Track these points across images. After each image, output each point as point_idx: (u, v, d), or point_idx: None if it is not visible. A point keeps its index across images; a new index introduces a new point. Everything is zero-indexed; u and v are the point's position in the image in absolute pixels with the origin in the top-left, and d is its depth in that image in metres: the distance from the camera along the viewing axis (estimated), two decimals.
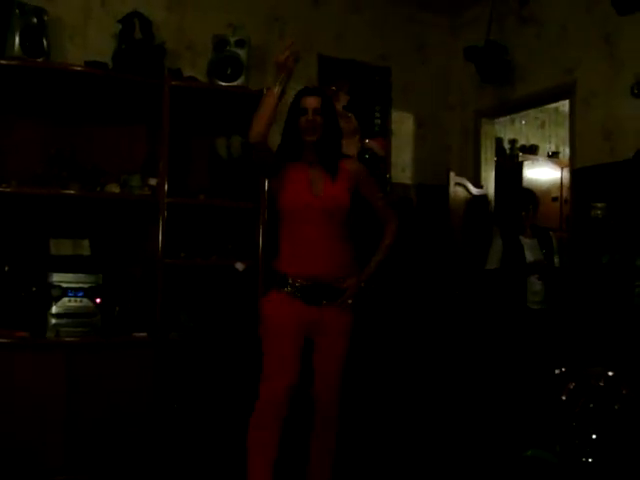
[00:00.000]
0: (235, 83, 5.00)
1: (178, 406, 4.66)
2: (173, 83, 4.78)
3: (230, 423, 4.71)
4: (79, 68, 4.62)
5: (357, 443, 4.63)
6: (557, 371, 4.16)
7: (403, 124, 6.36)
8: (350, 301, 3.48)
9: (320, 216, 3.42)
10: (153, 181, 4.77)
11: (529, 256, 5.36)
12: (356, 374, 3.70)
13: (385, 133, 6.21)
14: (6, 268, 4.52)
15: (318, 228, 3.42)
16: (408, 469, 4.41)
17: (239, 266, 4.93)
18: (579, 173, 5.31)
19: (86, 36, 5.04)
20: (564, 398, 3.68)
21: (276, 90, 3.32)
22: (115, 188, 4.71)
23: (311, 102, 3.45)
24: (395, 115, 6.29)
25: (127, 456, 4.46)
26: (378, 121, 6.19)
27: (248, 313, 4.94)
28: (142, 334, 4.63)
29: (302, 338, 3.48)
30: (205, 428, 4.70)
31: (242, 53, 5.03)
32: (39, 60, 4.46)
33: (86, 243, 4.72)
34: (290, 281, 3.43)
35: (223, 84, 4.98)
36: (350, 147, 5.88)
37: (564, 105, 5.94)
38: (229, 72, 4.99)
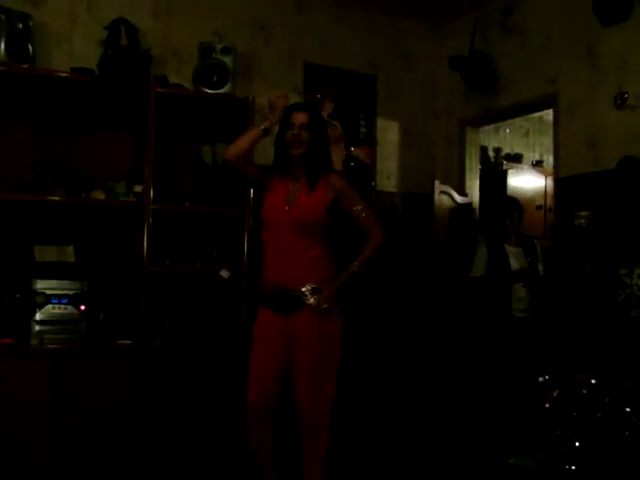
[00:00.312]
0: (221, 90, 5.02)
1: (162, 412, 4.65)
2: (159, 90, 4.80)
3: (214, 428, 4.73)
4: (65, 74, 4.63)
5: (342, 450, 4.64)
6: (541, 379, 4.17)
7: (388, 132, 6.38)
8: (325, 306, 3.48)
9: (289, 228, 3.49)
10: (138, 188, 4.77)
11: (514, 264, 5.38)
12: (343, 382, 3.68)
13: (370, 141, 6.23)
14: None
15: (287, 239, 3.50)
16: (393, 476, 4.42)
17: (224, 273, 4.94)
18: (563, 182, 5.35)
19: (72, 42, 5.04)
20: (548, 406, 3.69)
21: (262, 126, 3.62)
22: (100, 195, 4.72)
23: (299, 117, 3.54)
24: (380, 123, 6.30)
25: (111, 462, 4.45)
26: (363, 129, 6.21)
27: (232, 320, 4.96)
28: (127, 341, 4.63)
29: (279, 346, 3.55)
30: (189, 434, 4.69)
31: (228, 60, 5.05)
32: (24, 66, 4.48)
33: (71, 250, 4.71)
34: (261, 290, 3.63)
35: (209, 91, 5.00)
36: (335, 155, 5.90)
37: (548, 114, 5.98)
38: (215, 79, 5.01)
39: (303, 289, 3.48)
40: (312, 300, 3.47)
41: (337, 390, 3.59)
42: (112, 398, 4.48)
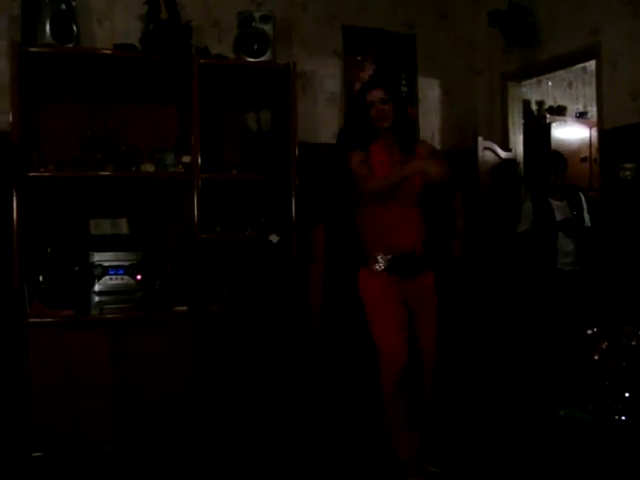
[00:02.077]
0: (262, 58, 5.05)
1: (220, 376, 4.80)
2: (201, 61, 4.86)
3: (271, 394, 4.86)
4: (108, 52, 4.74)
5: None
6: (589, 331, 4.21)
7: (430, 90, 6.36)
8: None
9: (402, 195, 3.70)
10: (187, 158, 4.86)
11: (559, 217, 5.41)
12: None
13: (412, 100, 6.23)
14: (49, 250, 4.66)
15: (399, 206, 3.74)
16: (443, 429, 4.50)
17: (273, 238, 5.03)
18: (607, 134, 5.31)
19: (113, 19, 5.11)
20: (596, 358, 3.72)
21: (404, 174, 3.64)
22: (150, 167, 4.83)
23: (376, 94, 3.74)
24: (421, 82, 6.29)
25: (172, 427, 4.62)
26: (405, 89, 6.21)
27: (283, 283, 5.06)
28: (182, 308, 4.77)
29: (402, 310, 3.77)
30: (247, 399, 4.83)
31: (267, 28, 5.08)
32: (69, 46, 4.57)
33: (124, 222, 4.84)
34: (381, 259, 3.75)
35: (250, 60, 5.04)
36: None
37: (591, 64, 5.90)
38: (256, 48, 5.04)
39: (423, 254, 3.82)
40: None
41: None
42: (171, 363, 4.62)
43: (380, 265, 3.75)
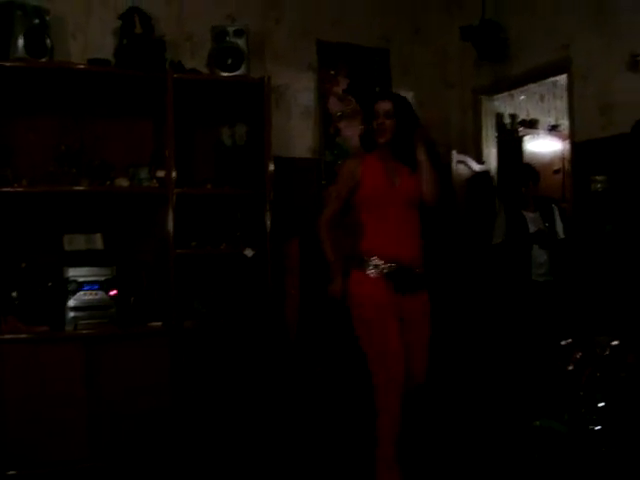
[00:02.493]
0: (236, 73, 5.05)
1: (195, 391, 4.77)
2: (175, 76, 4.86)
3: (247, 408, 4.83)
4: (82, 66, 4.73)
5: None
6: (563, 342, 4.25)
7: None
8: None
9: (399, 204, 3.71)
10: (161, 173, 4.85)
11: (532, 228, 5.47)
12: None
13: None
14: (23, 265, 4.63)
15: (397, 216, 3.71)
16: (416, 440, 4.50)
17: (248, 252, 5.02)
18: (579, 147, 5.37)
19: (87, 33, 5.10)
20: (571, 368, 3.76)
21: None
22: (124, 182, 4.81)
23: (383, 106, 3.73)
24: None
25: (147, 443, 4.58)
26: None
27: (259, 297, 5.05)
28: (157, 323, 4.75)
29: (397, 324, 3.67)
30: (223, 414, 4.80)
31: (241, 42, 5.09)
32: (43, 60, 4.55)
33: (99, 237, 4.81)
34: (382, 264, 3.66)
35: (224, 74, 5.05)
36: (352, 130, 5.97)
37: (562, 78, 5.96)
38: (230, 62, 5.05)
39: (422, 271, 3.76)
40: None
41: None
42: (146, 378, 4.59)
43: (378, 270, 3.66)
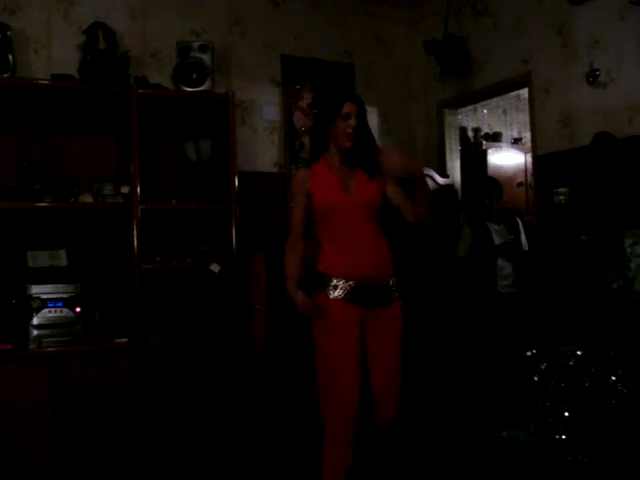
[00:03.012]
0: (200, 88, 5.06)
1: (162, 408, 4.73)
2: (140, 91, 4.85)
3: (213, 424, 4.81)
4: (46, 82, 4.69)
5: None
6: (529, 352, 4.29)
7: (368, 118, 6.41)
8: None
9: (356, 214, 3.39)
10: (125, 189, 4.82)
11: (497, 241, 5.51)
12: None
13: None
14: None
15: (356, 227, 3.39)
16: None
17: (214, 267, 5.01)
18: (541, 160, 5.44)
19: (51, 48, 5.07)
20: (536, 378, 3.78)
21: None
22: (88, 198, 4.77)
23: (351, 108, 3.40)
24: None
25: (113, 461, 4.53)
26: None
27: (226, 312, 5.04)
28: (123, 340, 4.70)
29: (359, 344, 3.39)
30: (190, 430, 4.77)
31: (206, 58, 5.10)
32: (5, 76, 4.51)
33: (63, 253, 4.76)
34: (341, 284, 3.37)
35: (189, 90, 5.05)
36: None
37: (524, 92, 6.05)
38: (194, 77, 5.06)
39: (390, 283, 3.44)
40: (396, 294, 3.47)
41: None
42: (112, 397, 4.54)
43: (338, 292, 3.36)
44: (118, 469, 4.52)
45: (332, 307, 3.36)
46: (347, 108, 3.38)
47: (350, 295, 3.35)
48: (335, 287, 3.36)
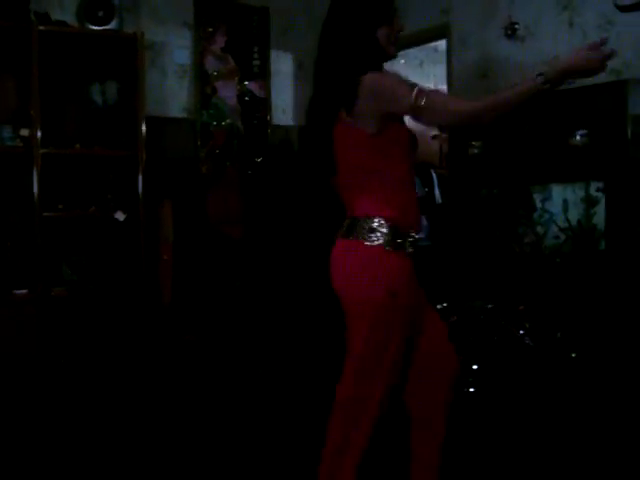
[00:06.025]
0: (107, 27, 4.88)
1: (65, 362, 4.61)
2: (41, 28, 4.63)
3: (117, 376, 4.70)
4: None
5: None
6: (439, 306, 4.31)
7: (283, 65, 6.28)
8: None
9: (412, 155, 2.53)
10: (25, 132, 4.65)
11: None
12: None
13: (264, 74, 6.13)
14: None
15: (411, 171, 2.52)
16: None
17: (119, 216, 4.89)
18: None
19: None
20: None
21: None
22: None
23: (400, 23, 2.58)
24: (274, 56, 6.19)
25: (13, 417, 4.38)
26: (257, 62, 6.10)
27: (131, 263, 4.91)
28: (23, 291, 4.56)
29: None
30: (94, 383, 4.66)
31: None
32: None
33: None
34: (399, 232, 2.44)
35: (95, 28, 4.86)
36: (229, 89, 5.83)
37: (442, 44, 5.99)
38: (101, 15, 4.87)
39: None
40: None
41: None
42: (12, 349, 4.41)
43: (409, 249, 2.46)
44: (18, 424, 4.37)
45: (409, 268, 2.52)
46: (397, 26, 2.56)
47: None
48: (400, 243, 2.45)
